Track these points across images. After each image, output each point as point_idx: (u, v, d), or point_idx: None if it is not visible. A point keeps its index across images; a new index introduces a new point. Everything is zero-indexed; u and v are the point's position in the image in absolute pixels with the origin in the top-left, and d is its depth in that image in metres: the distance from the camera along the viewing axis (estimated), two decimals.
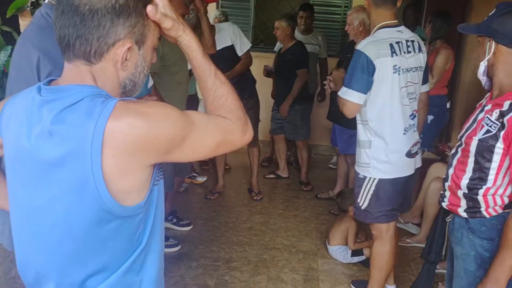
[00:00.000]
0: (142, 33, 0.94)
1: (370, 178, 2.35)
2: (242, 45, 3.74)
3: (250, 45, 3.83)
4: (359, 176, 2.39)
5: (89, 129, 0.84)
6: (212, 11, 4.55)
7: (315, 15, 4.71)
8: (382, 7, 2.24)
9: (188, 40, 1.02)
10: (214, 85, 1.02)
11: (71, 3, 0.88)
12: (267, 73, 4.50)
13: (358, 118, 2.35)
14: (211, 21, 3.99)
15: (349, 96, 2.22)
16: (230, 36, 3.69)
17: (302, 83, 4.15)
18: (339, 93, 2.27)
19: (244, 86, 3.79)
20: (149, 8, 0.92)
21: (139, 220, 0.93)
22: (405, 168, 2.36)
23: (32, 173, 0.91)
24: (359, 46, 2.24)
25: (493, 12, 1.59)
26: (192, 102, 3.86)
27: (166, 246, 3.16)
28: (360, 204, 2.41)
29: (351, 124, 2.75)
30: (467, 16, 4.72)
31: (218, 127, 0.98)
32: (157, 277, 1.02)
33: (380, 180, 2.33)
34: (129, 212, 0.90)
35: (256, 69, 4.31)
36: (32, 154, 0.90)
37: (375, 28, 2.28)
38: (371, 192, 2.36)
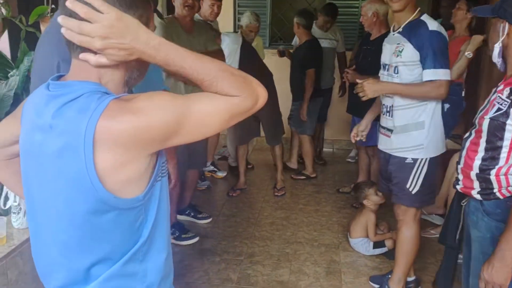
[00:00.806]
0: (147, 23, 0.96)
1: (422, 159, 2.34)
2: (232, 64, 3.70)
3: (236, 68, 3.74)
4: (407, 161, 2.37)
5: (82, 124, 0.86)
6: (229, 9, 4.59)
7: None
8: None
9: (154, 57, 0.90)
10: (201, 74, 0.92)
11: (83, 2, 0.87)
12: (281, 53, 4.61)
13: (410, 101, 2.31)
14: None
15: (447, 75, 2.21)
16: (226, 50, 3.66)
17: (312, 82, 4.18)
18: (433, 77, 2.20)
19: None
20: (88, 56, 0.90)
21: (137, 212, 0.95)
22: (444, 145, 2.43)
23: (41, 165, 0.95)
24: (433, 27, 2.22)
25: None
26: None
27: (185, 239, 3.24)
28: (410, 189, 2.39)
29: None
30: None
31: (222, 103, 0.93)
32: (163, 268, 1.05)
33: (431, 160, 2.35)
34: (126, 204, 0.93)
35: (274, 65, 4.35)
36: (40, 146, 0.94)
37: (417, 12, 2.31)
38: (423, 174, 2.36)
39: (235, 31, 4.85)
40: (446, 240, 1.89)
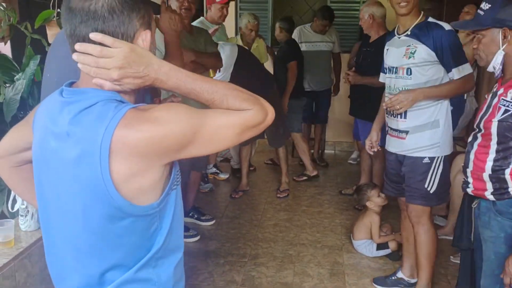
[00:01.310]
0: (149, 22, 1.00)
1: (438, 158, 2.37)
2: (225, 74, 3.67)
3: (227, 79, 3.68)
4: (424, 161, 2.38)
5: (99, 132, 0.88)
6: (231, 12, 4.61)
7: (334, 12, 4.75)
8: None
9: (165, 82, 0.95)
10: (211, 94, 0.96)
11: (87, 10, 0.91)
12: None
13: (425, 101, 2.33)
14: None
15: (469, 68, 2.29)
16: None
17: (294, 75, 4.23)
18: (458, 75, 2.27)
19: (257, 88, 3.81)
20: (101, 82, 0.92)
21: (152, 219, 0.97)
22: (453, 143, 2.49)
23: (56, 171, 0.96)
24: (447, 27, 2.27)
25: (489, 6, 1.64)
26: None
27: (187, 237, 3.25)
28: (428, 189, 2.40)
29: (373, 116, 2.77)
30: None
31: (235, 117, 0.96)
32: (176, 273, 1.06)
33: (445, 157, 2.39)
34: (141, 211, 0.94)
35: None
36: (56, 153, 0.95)
37: (422, 16, 2.35)
38: (439, 172, 2.38)
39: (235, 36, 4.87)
40: (462, 242, 1.90)
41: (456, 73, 2.27)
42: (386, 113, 2.51)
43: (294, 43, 4.44)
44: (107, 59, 0.90)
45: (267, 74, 4.12)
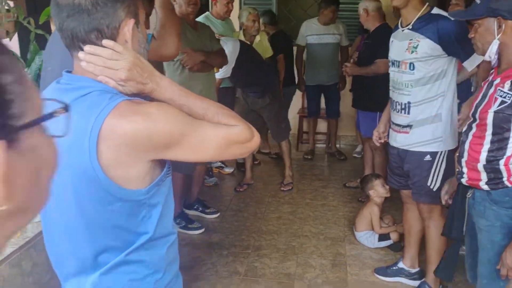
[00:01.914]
0: (135, 11, 1.02)
1: (440, 154, 2.32)
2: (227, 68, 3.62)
3: (228, 75, 3.66)
4: (425, 159, 2.34)
5: (90, 120, 0.92)
6: (235, 7, 4.63)
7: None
8: None
9: (163, 93, 1.03)
10: (203, 110, 1.04)
11: (72, 4, 0.94)
12: None
13: (429, 96, 2.30)
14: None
15: (480, 57, 2.13)
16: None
17: (283, 66, 4.46)
18: (471, 66, 2.23)
19: (258, 83, 3.85)
20: (107, 79, 0.98)
21: (140, 206, 1.00)
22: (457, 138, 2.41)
23: None
24: (452, 19, 2.15)
25: None
26: (226, 94, 3.92)
27: (192, 229, 3.32)
28: (432, 186, 2.36)
29: (372, 106, 2.80)
30: None
31: (223, 130, 1.01)
32: (169, 254, 1.09)
33: (449, 153, 2.34)
34: (129, 195, 0.97)
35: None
36: None
37: (425, 7, 2.27)
38: (443, 168, 2.34)
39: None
40: (451, 233, 1.92)
41: (471, 64, 2.22)
42: (391, 108, 2.50)
43: (280, 35, 4.59)
44: (115, 61, 0.96)
45: (269, 68, 4.13)
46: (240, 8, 5.48)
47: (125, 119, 0.92)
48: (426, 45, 2.24)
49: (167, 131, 0.95)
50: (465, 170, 1.78)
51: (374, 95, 3.44)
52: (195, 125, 0.98)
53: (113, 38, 0.99)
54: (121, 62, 0.96)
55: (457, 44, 2.19)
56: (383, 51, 2.74)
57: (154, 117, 0.94)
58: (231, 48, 3.64)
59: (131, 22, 1.01)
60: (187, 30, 3.06)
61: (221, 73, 3.60)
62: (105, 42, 0.96)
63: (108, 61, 0.96)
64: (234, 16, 4.57)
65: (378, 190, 3.17)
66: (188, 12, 3.09)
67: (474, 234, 1.79)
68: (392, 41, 2.48)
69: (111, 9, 0.97)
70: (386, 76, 2.60)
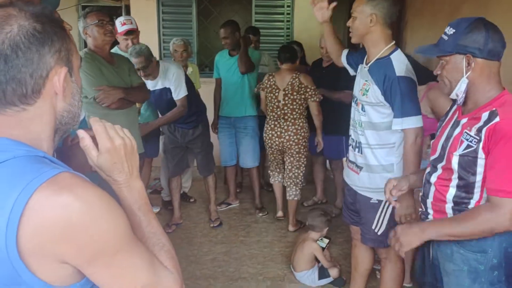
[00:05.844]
0: (68, 57, 0.85)
1: (387, 201, 2.13)
2: (180, 91, 3.58)
3: (186, 93, 3.60)
4: (372, 201, 2.26)
5: (12, 196, 0.71)
6: (154, 38, 4.46)
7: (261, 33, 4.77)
8: (389, 27, 2.14)
9: (127, 193, 0.93)
10: (151, 233, 0.94)
11: None
12: None
13: (379, 142, 2.19)
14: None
15: (418, 121, 2.06)
16: (173, 78, 3.55)
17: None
18: (399, 126, 2.08)
19: (191, 114, 3.75)
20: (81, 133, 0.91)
21: None
22: None
23: None
24: (401, 73, 2.07)
25: (453, 31, 1.56)
26: (153, 134, 3.74)
27: None
28: (376, 230, 2.28)
29: (336, 130, 2.77)
30: (402, 30, 4.92)
31: (156, 275, 0.86)
32: None
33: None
34: None
35: (204, 94, 4.26)
36: None
37: (387, 49, 2.14)
38: (387, 215, 2.25)
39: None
40: (425, 277, 1.81)
41: (396, 124, 2.09)
42: (350, 143, 2.39)
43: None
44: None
45: (200, 98, 4.04)
46: (160, 39, 5.32)
47: (56, 199, 0.72)
48: (374, 90, 2.13)
49: (105, 235, 0.77)
50: (431, 211, 1.70)
51: (340, 119, 3.44)
52: (131, 244, 0.82)
53: (38, 89, 0.80)
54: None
55: (396, 97, 2.06)
56: (345, 78, 2.73)
57: (94, 209, 0.76)
58: (176, 66, 3.65)
59: (63, 70, 0.83)
60: (102, 65, 2.81)
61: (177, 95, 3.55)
62: (80, 133, 0.91)
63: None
64: (154, 48, 4.38)
65: (322, 234, 3.16)
66: (104, 43, 2.83)
67: (436, 275, 1.72)
68: (357, 73, 2.35)
69: (36, 55, 0.79)
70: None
